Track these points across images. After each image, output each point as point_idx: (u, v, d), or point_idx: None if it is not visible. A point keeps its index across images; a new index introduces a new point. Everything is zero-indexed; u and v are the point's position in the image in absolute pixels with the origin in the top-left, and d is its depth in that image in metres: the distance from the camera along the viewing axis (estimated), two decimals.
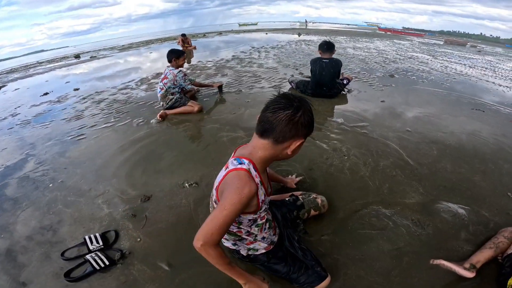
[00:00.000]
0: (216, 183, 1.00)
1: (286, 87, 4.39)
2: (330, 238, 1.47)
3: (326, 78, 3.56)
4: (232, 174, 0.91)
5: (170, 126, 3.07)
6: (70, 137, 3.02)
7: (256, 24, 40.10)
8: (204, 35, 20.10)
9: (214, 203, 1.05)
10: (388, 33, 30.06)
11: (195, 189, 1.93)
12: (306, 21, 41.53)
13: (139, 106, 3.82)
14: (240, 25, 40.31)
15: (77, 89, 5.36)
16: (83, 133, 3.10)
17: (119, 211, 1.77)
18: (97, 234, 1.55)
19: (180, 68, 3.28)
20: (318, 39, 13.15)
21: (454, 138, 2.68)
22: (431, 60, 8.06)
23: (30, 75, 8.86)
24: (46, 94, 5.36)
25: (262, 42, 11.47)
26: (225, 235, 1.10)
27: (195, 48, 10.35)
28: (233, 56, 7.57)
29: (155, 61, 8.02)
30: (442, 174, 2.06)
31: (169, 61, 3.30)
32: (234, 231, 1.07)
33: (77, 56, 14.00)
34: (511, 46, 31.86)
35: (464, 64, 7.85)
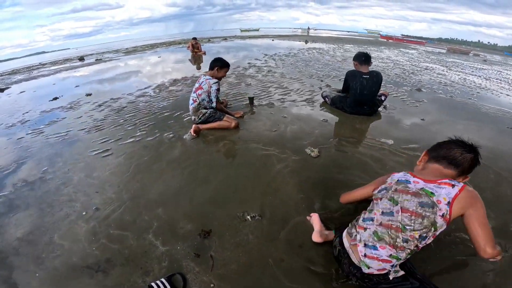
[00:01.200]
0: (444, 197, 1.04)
1: (317, 100, 4.16)
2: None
3: (368, 96, 3.27)
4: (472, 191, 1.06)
5: (207, 144, 2.80)
6: (94, 153, 2.73)
7: (258, 30, 40.09)
8: (209, 40, 19.94)
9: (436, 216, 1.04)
10: (390, 40, 30.22)
11: (259, 223, 1.67)
12: (308, 28, 41.65)
13: (165, 118, 3.55)
14: (242, 30, 40.26)
15: (90, 95, 5.09)
16: (108, 148, 2.82)
17: (177, 249, 1.50)
18: (164, 280, 1.28)
19: (216, 80, 3.02)
20: (327, 47, 13.04)
21: (507, 160, 2.47)
22: (447, 72, 7.92)
23: (35, 77, 8.57)
24: (55, 98, 5.08)
25: (272, 49, 11.30)
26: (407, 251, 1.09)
27: (204, 53, 10.14)
28: (249, 63, 7.35)
29: (165, 66, 7.78)
30: (507, 199, 1.93)
31: (211, 68, 3.02)
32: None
33: (81, 59, 13.74)
34: (510, 54, 32.26)
35: (479, 76, 7.73)
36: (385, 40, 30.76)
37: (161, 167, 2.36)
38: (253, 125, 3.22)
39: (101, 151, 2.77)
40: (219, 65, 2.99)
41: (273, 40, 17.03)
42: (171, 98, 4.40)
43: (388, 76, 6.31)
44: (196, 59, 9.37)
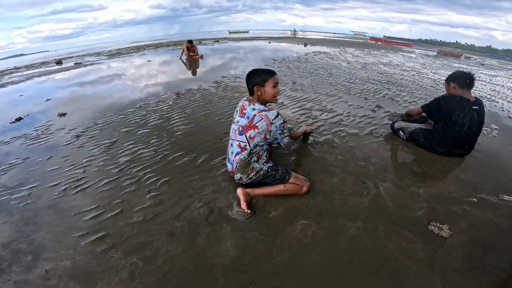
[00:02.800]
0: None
1: (382, 131, 3.09)
2: None
3: (476, 133, 2.39)
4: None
5: (274, 229, 1.59)
6: (83, 242, 1.50)
7: (247, 31, 38.94)
8: (200, 42, 18.58)
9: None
10: (379, 42, 30.08)
11: None
12: (294, 30, 41.07)
13: (183, 167, 2.28)
14: (230, 32, 38.94)
15: (64, 115, 3.74)
16: (104, 232, 1.58)
17: None
18: None
19: (271, 108, 1.82)
20: (331, 51, 12.11)
21: None
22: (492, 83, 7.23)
23: (2, 85, 6.94)
24: (19, 119, 3.70)
25: (275, 53, 10.19)
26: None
27: (201, 57, 8.87)
28: None
29: (158, 71, 6.41)
30: None
31: (250, 91, 1.86)
32: None
33: (59, 62, 12.03)
34: (491, 55, 33.25)
35: (502, 85, 7.07)
36: (374, 42, 30.60)
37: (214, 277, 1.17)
38: (327, 183, 2.07)
39: (93, 235, 1.53)
40: (260, 81, 1.79)
41: (269, 42, 15.94)
42: (180, 126, 3.15)
43: (425, 89, 5.37)
44: (192, 63, 8.12)
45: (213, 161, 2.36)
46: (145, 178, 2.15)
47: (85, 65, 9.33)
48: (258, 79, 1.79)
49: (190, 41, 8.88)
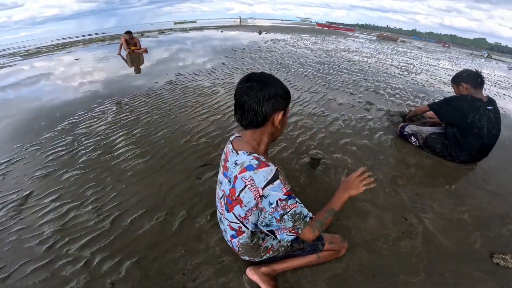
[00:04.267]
0: None
1: (387, 131, 2.51)
2: None
3: (496, 136, 2.14)
4: None
5: None
6: None
7: (195, 21, 36.10)
8: (142, 34, 16.27)
9: None
10: (325, 28, 30.88)
11: None
12: (240, 18, 39.65)
13: (159, 241, 1.35)
14: (176, 23, 35.66)
15: None
16: None
17: None
18: None
19: (265, 161, 0.89)
20: (288, 38, 11.51)
21: None
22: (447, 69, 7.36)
23: None
24: None
25: (231, 42, 9.12)
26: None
27: (146, 51, 7.37)
28: (223, 65, 5.16)
29: (89, 72, 4.83)
30: None
31: (256, 121, 0.89)
32: None
33: None
34: (418, 38, 37.18)
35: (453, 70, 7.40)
36: (321, 27, 31.31)
37: None
38: (364, 228, 1.50)
39: None
40: (283, 103, 0.91)
41: (222, 31, 14.65)
42: (130, 159, 2.08)
43: (396, 77, 5.10)
44: (134, 59, 6.67)
45: (197, 220, 1.47)
46: (95, 261, 1.17)
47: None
48: (280, 98, 0.88)
49: (128, 32, 7.23)
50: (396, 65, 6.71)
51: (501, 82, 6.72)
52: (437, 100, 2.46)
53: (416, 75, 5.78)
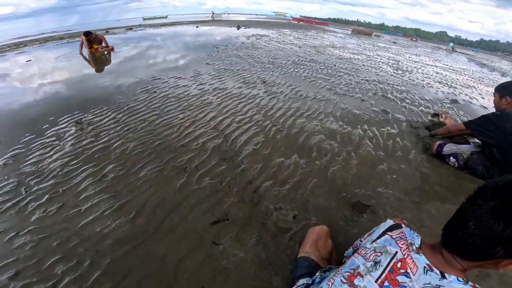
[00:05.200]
0: None
1: (420, 150, 2.05)
2: None
3: None
4: None
5: None
6: None
7: (166, 17, 33.88)
8: (107, 31, 14.72)
9: None
10: (301, 22, 30.66)
11: None
12: (213, 13, 38.11)
13: None
14: (145, 19, 33.23)
15: None
16: None
17: None
18: None
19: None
20: (269, 33, 10.89)
21: None
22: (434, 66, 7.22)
23: None
24: None
25: (210, 38, 8.29)
26: None
27: (112, 49, 6.36)
28: (208, 65, 4.43)
29: (40, 75, 3.81)
30: None
31: None
32: None
33: None
34: (387, 32, 38.47)
35: (436, 67, 7.34)
36: (297, 22, 31.04)
37: None
38: None
39: None
40: None
41: (197, 26, 13.62)
42: (107, 220, 1.39)
43: (394, 77, 4.76)
44: (98, 60, 5.71)
45: None
46: None
47: None
48: None
49: (87, 34, 6.10)
50: (387, 63, 6.44)
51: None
52: (472, 118, 2.16)
53: (409, 73, 5.52)
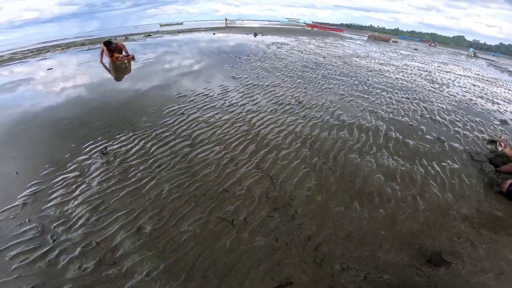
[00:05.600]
0: None
1: (486, 191, 1.67)
2: None
3: None
4: None
5: None
6: None
7: (181, 23, 34.36)
8: (127, 37, 14.88)
9: None
10: (315, 29, 30.27)
11: None
12: (226, 20, 38.22)
13: None
14: (161, 25, 33.85)
15: None
16: None
17: None
18: None
19: None
20: (288, 41, 10.59)
21: None
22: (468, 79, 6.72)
23: None
24: None
25: (228, 46, 8.07)
26: None
27: (133, 58, 6.23)
28: (234, 79, 4.15)
29: (59, 88, 3.57)
30: None
31: None
32: None
33: None
34: (403, 37, 37.32)
35: (471, 77, 6.80)
36: (311, 28, 30.67)
37: None
38: None
39: None
40: None
41: (214, 33, 13.52)
42: (155, 283, 1.11)
43: (434, 92, 4.33)
44: (118, 68, 5.60)
45: None
46: None
47: None
48: None
49: (108, 43, 5.98)
50: (419, 75, 6.00)
51: None
52: None
53: (447, 87, 5.07)
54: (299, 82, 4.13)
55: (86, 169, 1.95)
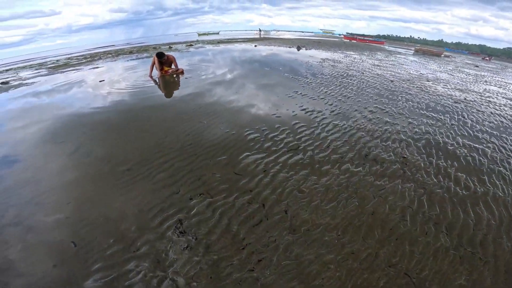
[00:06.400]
0: None
1: None
2: None
3: None
4: None
5: None
6: None
7: (218, 33, 35.21)
8: (170, 47, 15.17)
9: None
10: (353, 41, 28.91)
11: None
12: (260, 30, 38.16)
13: None
14: (199, 34, 35.00)
15: None
16: None
17: None
18: None
19: None
20: (338, 56, 9.80)
21: None
22: None
23: None
24: None
25: (280, 61, 7.49)
26: None
27: (182, 72, 5.94)
28: (312, 115, 3.49)
29: (108, 111, 3.25)
30: None
31: None
32: None
33: None
34: (450, 50, 34.23)
35: None
36: (349, 40, 29.34)
37: None
38: None
39: None
40: None
41: (255, 46, 13.16)
42: None
43: None
44: (167, 82, 5.27)
45: None
46: None
47: (8, 87, 5.79)
48: None
49: (160, 55, 5.74)
50: (509, 105, 4.86)
51: None
52: None
53: None
54: (386, 122, 3.33)
55: (163, 255, 1.41)
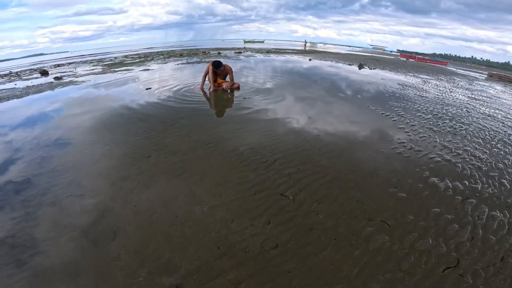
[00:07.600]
0: None
1: None
2: None
3: None
4: None
5: None
6: None
7: (262, 41, 34.97)
8: (219, 52, 14.80)
9: None
10: (411, 60, 26.05)
11: None
12: (305, 42, 36.83)
13: None
14: (245, 41, 35.08)
15: None
16: None
17: None
18: None
19: None
20: (415, 81, 8.18)
21: None
22: None
23: None
24: None
25: (351, 87, 6.20)
26: None
27: (238, 88, 5.02)
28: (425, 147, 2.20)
29: (151, 141, 2.39)
30: None
31: None
32: None
33: (44, 72, 8.97)
34: None
35: None
36: (406, 59, 26.54)
37: None
38: None
39: None
40: None
41: (310, 59, 12.01)
42: None
43: None
44: (219, 97, 4.50)
45: None
46: None
47: (65, 84, 5.49)
48: None
49: (217, 65, 4.84)
50: None
51: None
52: None
53: None
54: None
55: None
